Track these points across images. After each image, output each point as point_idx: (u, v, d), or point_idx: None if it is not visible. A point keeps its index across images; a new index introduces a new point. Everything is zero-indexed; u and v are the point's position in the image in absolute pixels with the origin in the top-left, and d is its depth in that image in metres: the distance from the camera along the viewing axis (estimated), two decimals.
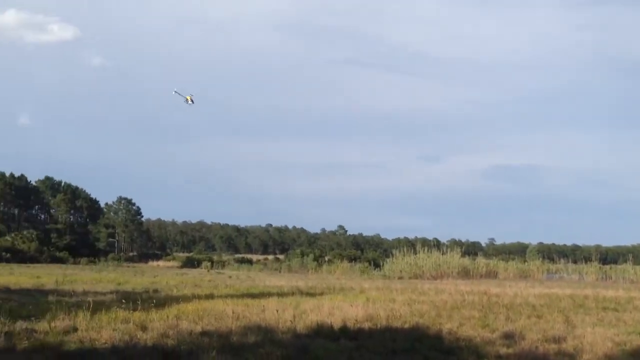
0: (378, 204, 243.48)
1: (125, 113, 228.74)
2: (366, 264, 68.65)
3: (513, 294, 27.10)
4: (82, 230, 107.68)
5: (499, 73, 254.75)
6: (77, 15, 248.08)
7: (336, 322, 15.62)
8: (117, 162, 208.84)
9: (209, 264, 78.46)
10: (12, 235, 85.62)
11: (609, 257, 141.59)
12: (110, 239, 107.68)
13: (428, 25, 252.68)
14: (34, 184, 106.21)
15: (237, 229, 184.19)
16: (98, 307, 16.69)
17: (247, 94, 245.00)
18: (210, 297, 22.91)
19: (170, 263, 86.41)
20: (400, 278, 52.94)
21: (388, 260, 64.25)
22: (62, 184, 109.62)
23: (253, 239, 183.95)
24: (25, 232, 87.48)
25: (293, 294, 25.96)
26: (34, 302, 19.50)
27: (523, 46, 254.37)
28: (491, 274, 57.56)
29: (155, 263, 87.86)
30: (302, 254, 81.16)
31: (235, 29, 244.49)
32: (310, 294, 25.74)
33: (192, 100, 36.60)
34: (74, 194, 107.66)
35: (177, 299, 21.20)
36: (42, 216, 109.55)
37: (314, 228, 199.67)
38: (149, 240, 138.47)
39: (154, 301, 19.09)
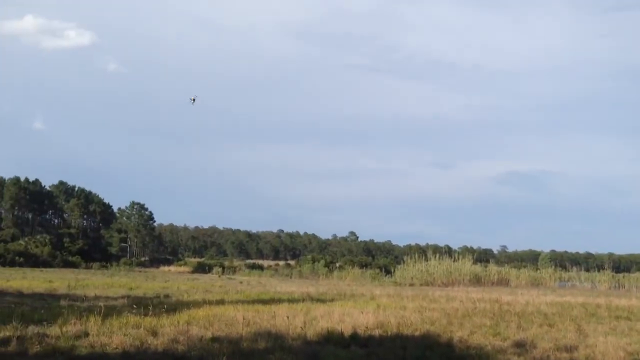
0: (390, 210, 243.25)
1: (139, 118, 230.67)
2: (377, 271, 68.52)
3: (525, 302, 26.93)
4: (95, 234, 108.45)
5: (514, 80, 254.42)
6: (93, 21, 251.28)
7: (347, 328, 15.59)
8: (131, 167, 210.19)
9: (220, 269, 78.65)
10: (26, 239, 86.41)
11: (622, 265, 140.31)
12: (123, 244, 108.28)
13: (444, 32, 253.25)
14: (48, 188, 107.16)
15: (248, 234, 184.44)
16: (109, 312, 16.79)
17: (260, 100, 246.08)
18: (221, 302, 22.94)
19: (182, 268, 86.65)
20: (411, 285, 52.78)
21: (399, 266, 64.16)
22: (76, 188, 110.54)
23: (264, 244, 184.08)
24: (38, 237, 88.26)
25: (304, 300, 25.94)
26: (46, 307, 19.65)
27: (539, 53, 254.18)
28: (503, 282, 57.22)
29: (166, 268, 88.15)
30: (313, 260, 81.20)
31: (251, 35, 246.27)
32: (321, 300, 25.71)
33: (193, 100, 37.23)
34: (87, 199, 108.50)
35: (188, 305, 21.24)
36: (56, 221, 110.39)
37: (325, 234, 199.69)
38: (160, 245, 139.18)
39: (165, 306, 19.19)
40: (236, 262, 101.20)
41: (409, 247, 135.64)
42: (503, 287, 50.76)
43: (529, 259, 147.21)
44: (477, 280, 55.42)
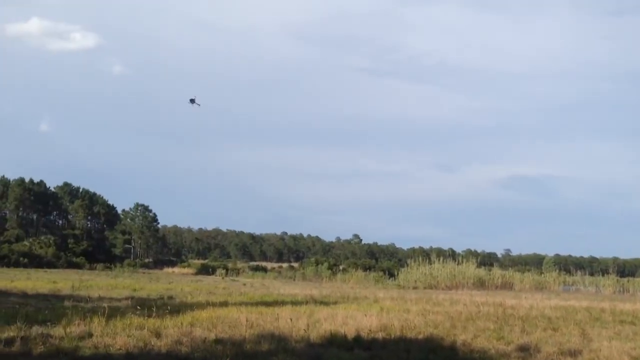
0: (393, 213, 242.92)
1: (143, 120, 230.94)
2: (381, 274, 68.48)
3: (529, 306, 26.87)
4: (99, 236, 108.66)
5: (517, 83, 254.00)
6: (99, 23, 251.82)
7: (350, 331, 15.59)
8: (135, 169, 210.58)
9: (223, 271, 78.73)
10: (30, 240, 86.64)
11: (627, 269, 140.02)
12: (127, 245, 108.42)
13: (447, 35, 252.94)
14: (52, 189, 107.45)
15: (252, 236, 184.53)
16: (113, 313, 16.82)
17: (263, 102, 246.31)
18: (224, 304, 22.95)
19: (185, 270, 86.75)
20: (414, 288, 52.69)
21: (403, 269, 64.02)
22: (80, 190, 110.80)
23: (268, 246, 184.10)
24: (43, 238, 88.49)
25: (307, 302, 25.93)
26: (50, 307, 19.70)
27: (542, 56, 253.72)
28: (507, 285, 57.07)
29: (170, 270, 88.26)
30: (317, 263, 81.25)
31: (253, 37, 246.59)
32: (324, 303, 25.71)
33: (192, 100, 37.54)
34: (91, 200, 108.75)
35: (192, 306, 21.28)
36: (60, 222, 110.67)
37: (328, 237, 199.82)
38: (164, 246, 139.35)
39: (169, 308, 19.22)
40: (240, 264, 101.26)
41: (413, 250, 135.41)
42: (507, 291, 50.62)
43: (533, 262, 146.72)
44: (480, 284, 55.29)
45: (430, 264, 59.64)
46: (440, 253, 71.22)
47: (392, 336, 15.65)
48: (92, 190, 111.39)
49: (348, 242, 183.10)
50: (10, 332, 13.42)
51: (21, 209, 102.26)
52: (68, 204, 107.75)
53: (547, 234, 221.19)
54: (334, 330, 15.63)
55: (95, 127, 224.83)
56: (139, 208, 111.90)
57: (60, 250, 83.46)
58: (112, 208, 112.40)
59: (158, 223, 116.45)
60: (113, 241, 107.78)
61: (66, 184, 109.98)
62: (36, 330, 14.06)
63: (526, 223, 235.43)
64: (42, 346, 12.23)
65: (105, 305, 19.08)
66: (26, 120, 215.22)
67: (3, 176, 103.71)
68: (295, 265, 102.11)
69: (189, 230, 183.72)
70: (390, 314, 20.92)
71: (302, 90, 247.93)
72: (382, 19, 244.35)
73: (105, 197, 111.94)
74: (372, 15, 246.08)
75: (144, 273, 71.83)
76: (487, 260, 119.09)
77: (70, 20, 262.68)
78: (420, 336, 15.88)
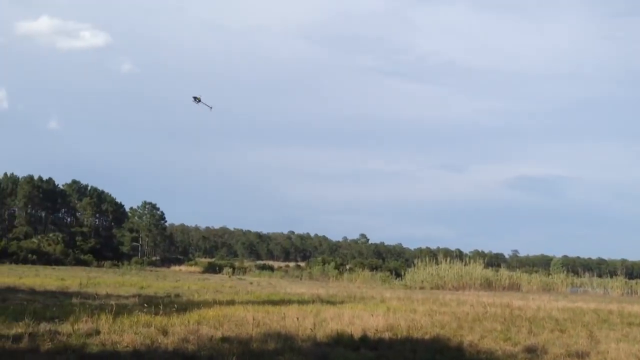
0: (400, 212, 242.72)
1: (151, 119, 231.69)
2: (387, 273, 68.35)
3: (536, 307, 26.77)
4: (107, 233, 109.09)
5: (525, 84, 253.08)
6: (108, 22, 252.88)
7: (356, 331, 15.58)
8: (143, 167, 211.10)
9: (230, 269, 78.78)
10: (39, 237, 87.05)
11: (635, 271, 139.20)
12: (134, 243, 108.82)
13: (456, 35, 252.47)
14: (61, 187, 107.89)
15: (259, 235, 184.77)
16: (120, 310, 16.88)
17: (271, 102, 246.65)
18: (231, 303, 23.00)
19: (192, 268, 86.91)
20: (421, 288, 52.60)
21: (410, 270, 63.93)
22: (89, 187, 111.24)
23: (275, 245, 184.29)
24: (51, 235, 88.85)
25: (314, 301, 25.93)
26: (58, 304, 19.79)
27: (550, 57, 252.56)
28: (514, 287, 56.87)
29: (177, 268, 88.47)
30: (324, 262, 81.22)
31: (261, 37, 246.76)
32: (331, 302, 25.70)
33: (195, 99, 37.59)
34: (99, 198, 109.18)
35: (198, 304, 21.32)
36: (68, 219, 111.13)
37: (335, 236, 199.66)
38: (171, 245, 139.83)
39: (176, 306, 19.28)
40: (246, 263, 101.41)
41: (420, 250, 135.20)
42: (514, 292, 50.45)
43: (541, 264, 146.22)
44: (488, 285, 55.11)
45: (438, 265, 59.47)
46: (448, 253, 70.95)
47: (399, 336, 15.64)
48: (100, 188, 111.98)
49: (355, 241, 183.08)
50: (18, 329, 13.50)
51: (30, 206, 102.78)
52: (76, 201, 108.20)
53: (555, 235, 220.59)
54: (340, 329, 15.63)
55: (104, 125, 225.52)
56: (147, 206, 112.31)
57: (68, 248, 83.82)
58: (120, 206, 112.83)
59: (165, 221, 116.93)
60: (121, 239, 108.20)
61: (74, 182, 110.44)
62: (44, 327, 14.13)
63: (534, 224, 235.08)
64: (50, 343, 12.30)
65: (113, 302, 19.17)
66: (35, 117, 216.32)
67: (12, 173, 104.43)
68: (302, 264, 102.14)
69: (196, 228, 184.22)
70: (396, 314, 20.90)
71: (310, 90, 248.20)
72: (389, 20, 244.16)
73: (113, 195, 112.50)
74: (380, 16, 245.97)
75: (151, 271, 72.03)
76: (494, 261, 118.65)
77: (79, 18, 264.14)
78: (427, 336, 15.86)
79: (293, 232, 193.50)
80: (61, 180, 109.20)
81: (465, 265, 58.55)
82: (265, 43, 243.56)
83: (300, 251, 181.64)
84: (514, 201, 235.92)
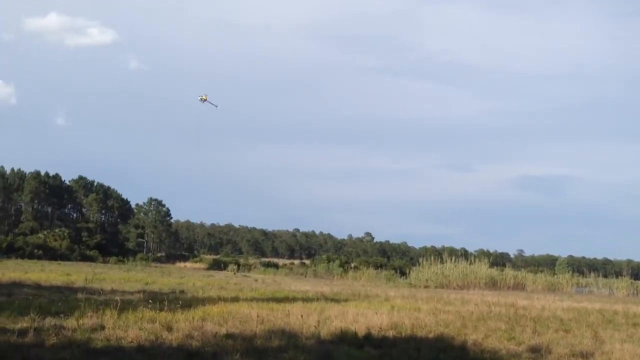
0: (405, 211, 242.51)
1: (158, 116, 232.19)
2: (392, 272, 68.28)
3: (541, 307, 26.69)
4: (113, 229, 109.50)
5: (531, 83, 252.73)
6: (116, 19, 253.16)
7: (360, 329, 15.57)
8: (149, 164, 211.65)
9: (235, 266, 78.90)
10: (45, 232, 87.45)
11: None
12: (140, 239, 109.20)
13: (462, 35, 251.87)
14: (67, 183, 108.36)
15: (264, 232, 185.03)
16: (125, 306, 16.93)
17: (278, 100, 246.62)
18: (235, 300, 23.01)
19: (197, 265, 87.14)
20: (426, 287, 52.55)
21: (414, 268, 63.88)
22: (95, 184, 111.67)
23: (280, 243, 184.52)
24: (57, 230, 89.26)
25: (318, 299, 25.92)
26: (64, 299, 19.86)
27: (556, 57, 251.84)
28: (519, 286, 56.73)
29: (182, 264, 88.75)
30: (328, 260, 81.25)
31: (268, 36, 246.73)
32: (335, 300, 25.68)
33: (202, 99, 37.71)
34: (105, 194, 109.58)
35: (203, 301, 21.36)
36: (75, 215, 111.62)
37: (340, 234, 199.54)
38: (177, 241, 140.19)
39: (180, 302, 19.32)
40: (251, 260, 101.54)
41: (425, 249, 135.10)
42: (519, 292, 50.31)
43: (546, 263, 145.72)
44: (492, 284, 55.00)
45: (442, 263, 59.39)
46: (453, 252, 70.85)
47: (403, 334, 15.63)
48: (106, 184, 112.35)
49: (360, 240, 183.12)
50: (23, 323, 13.55)
51: (36, 201, 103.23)
52: (83, 197, 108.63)
53: (560, 235, 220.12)
54: (344, 327, 15.63)
55: (111, 122, 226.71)
56: (153, 203, 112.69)
57: (74, 243, 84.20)
58: (126, 202, 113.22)
59: (171, 218, 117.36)
60: (126, 235, 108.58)
61: (81, 178, 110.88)
62: (49, 321, 14.18)
63: (539, 224, 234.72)
64: (55, 337, 12.34)
65: (118, 298, 19.22)
66: (43, 114, 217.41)
67: (19, 169, 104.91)
68: (307, 262, 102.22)
69: (202, 225, 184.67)
70: (401, 312, 20.88)
71: (315, 89, 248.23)
72: (397, 20, 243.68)
73: (120, 192, 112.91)
74: (388, 15, 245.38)
75: (156, 267, 72.21)
76: (499, 260, 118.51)
77: (88, 15, 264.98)
78: (431, 335, 15.84)
79: (298, 230, 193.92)
80: (68, 176, 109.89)
81: (470, 264, 58.42)
82: (272, 42, 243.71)
83: (305, 249, 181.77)
84: (519, 201, 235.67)
